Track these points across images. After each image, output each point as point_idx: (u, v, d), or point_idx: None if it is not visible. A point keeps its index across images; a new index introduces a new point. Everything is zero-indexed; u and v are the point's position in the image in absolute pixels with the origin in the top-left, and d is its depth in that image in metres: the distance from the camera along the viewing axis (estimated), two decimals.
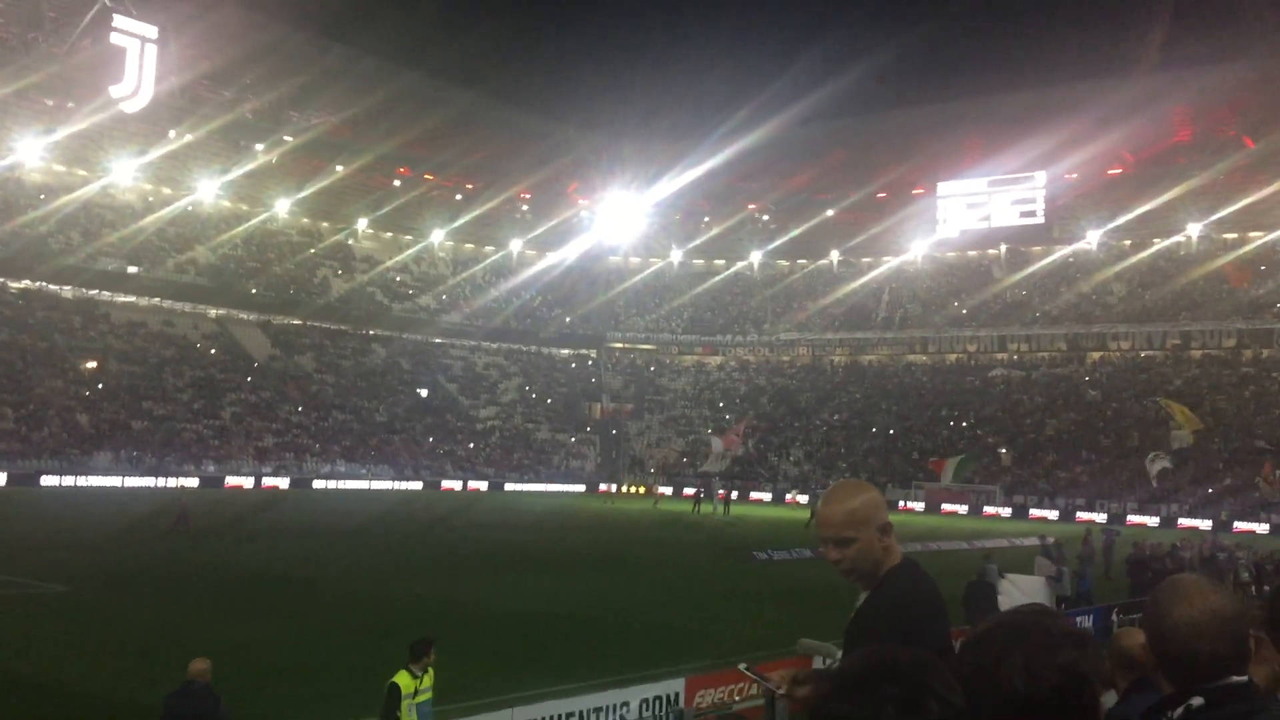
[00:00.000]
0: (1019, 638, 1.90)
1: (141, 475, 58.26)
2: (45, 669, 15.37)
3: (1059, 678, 1.86)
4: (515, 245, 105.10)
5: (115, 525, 35.00)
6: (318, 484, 65.44)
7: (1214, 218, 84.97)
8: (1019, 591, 22.87)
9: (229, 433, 67.20)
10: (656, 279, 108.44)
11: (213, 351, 75.81)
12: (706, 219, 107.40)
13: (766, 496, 74.37)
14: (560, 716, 12.42)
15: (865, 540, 3.25)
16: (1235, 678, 2.33)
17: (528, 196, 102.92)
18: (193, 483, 59.08)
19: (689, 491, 67.04)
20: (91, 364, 67.06)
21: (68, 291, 73.00)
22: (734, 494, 66.56)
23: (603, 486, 75.68)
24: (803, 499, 69.35)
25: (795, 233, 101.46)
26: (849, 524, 3.23)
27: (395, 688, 9.97)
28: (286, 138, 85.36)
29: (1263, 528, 56.10)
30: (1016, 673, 1.85)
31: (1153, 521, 59.71)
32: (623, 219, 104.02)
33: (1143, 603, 2.43)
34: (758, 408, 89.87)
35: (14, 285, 70.67)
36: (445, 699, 10.79)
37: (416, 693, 10.03)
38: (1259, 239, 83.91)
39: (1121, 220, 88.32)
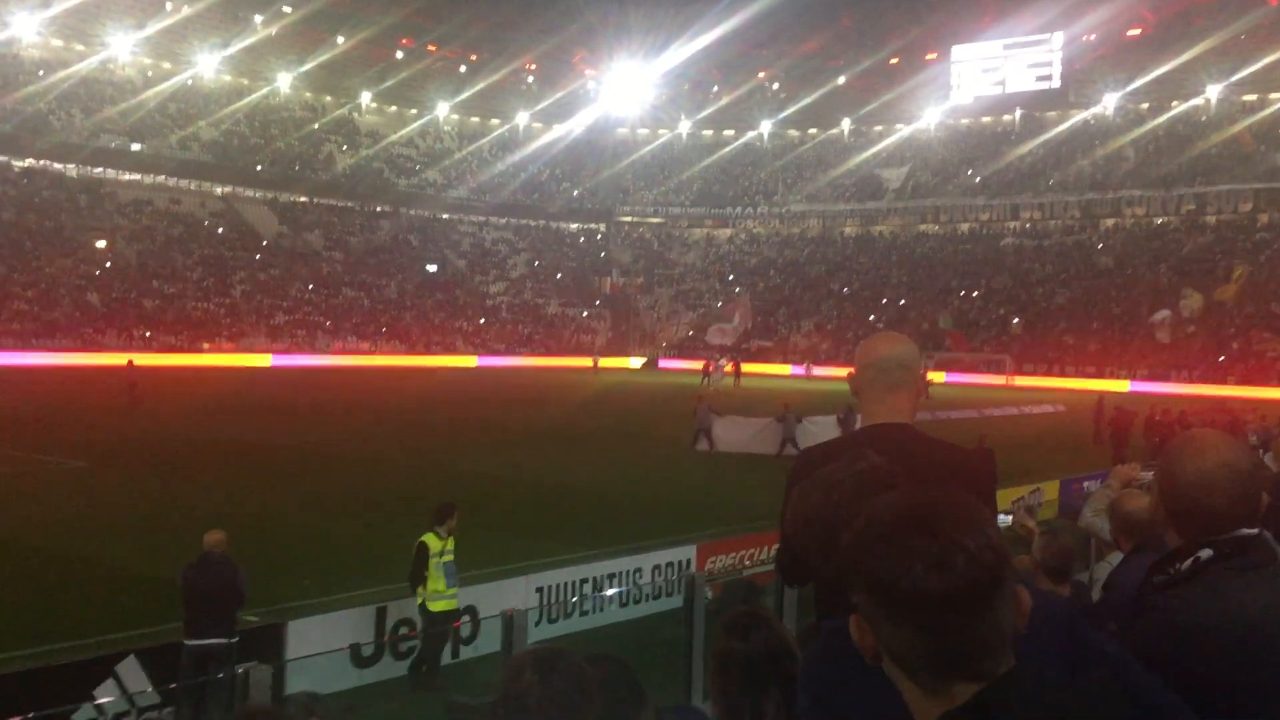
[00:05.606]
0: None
1: (156, 352, 58.47)
2: (68, 543, 15.64)
3: None
4: (521, 118, 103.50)
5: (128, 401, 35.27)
6: (330, 360, 65.80)
7: (1234, 79, 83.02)
8: (817, 429, 26.31)
9: (240, 311, 67.40)
10: (665, 151, 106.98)
11: (220, 230, 75.52)
12: (715, 88, 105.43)
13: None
14: (575, 582, 12.67)
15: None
16: (1245, 530, 2.31)
17: (533, 67, 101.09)
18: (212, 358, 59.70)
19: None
20: (101, 243, 66.93)
21: (71, 170, 72.39)
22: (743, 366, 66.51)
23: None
24: (817, 370, 69.50)
25: (806, 101, 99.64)
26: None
27: (424, 546, 10.40)
28: (285, 9, 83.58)
29: (1275, 393, 56.08)
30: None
31: (1162, 388, 59.80)
32: (630, 89, 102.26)
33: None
34: (767, 280, 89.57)
35: (17, 164, 70.11)
36: (463, 566, 10.98)
37: (443, 552, 10.44)
38: None
39: (1140, 83, 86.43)
